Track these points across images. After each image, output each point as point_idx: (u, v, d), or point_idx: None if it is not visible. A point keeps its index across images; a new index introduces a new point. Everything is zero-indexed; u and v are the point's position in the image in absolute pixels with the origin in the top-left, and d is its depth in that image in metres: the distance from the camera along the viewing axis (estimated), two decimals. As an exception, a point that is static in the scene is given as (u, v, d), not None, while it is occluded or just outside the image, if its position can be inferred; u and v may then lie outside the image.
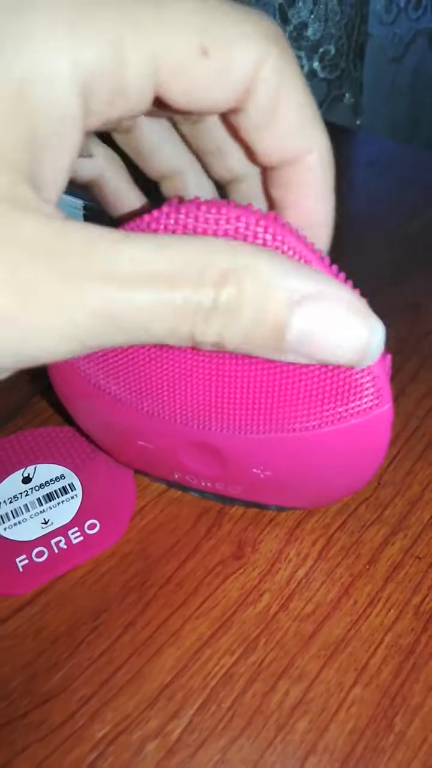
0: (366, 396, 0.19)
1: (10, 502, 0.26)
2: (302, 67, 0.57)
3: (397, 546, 0.25)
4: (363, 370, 0.18)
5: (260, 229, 0.17)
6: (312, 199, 0.18)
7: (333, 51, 0.56)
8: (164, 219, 0.17)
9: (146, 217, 0.17)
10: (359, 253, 0.40)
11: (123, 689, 0.21)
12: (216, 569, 0.24)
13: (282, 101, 0.16)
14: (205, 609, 0.23)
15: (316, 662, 0.22)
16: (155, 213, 0.17)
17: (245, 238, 0.17)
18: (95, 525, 0.25)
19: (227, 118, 0.18)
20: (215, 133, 0.20)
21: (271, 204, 0.20)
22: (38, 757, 0.20)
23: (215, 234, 0.17)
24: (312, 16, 0.53)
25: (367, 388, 0.19)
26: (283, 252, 0.17)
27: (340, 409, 0.19)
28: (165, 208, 0.17)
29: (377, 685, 0.22)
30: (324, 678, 0.22)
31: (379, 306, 0.35)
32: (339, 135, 0.52)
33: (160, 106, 0.16)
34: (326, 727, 0.21)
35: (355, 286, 0.17)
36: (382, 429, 0.20)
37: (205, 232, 0.17)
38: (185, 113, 0.17)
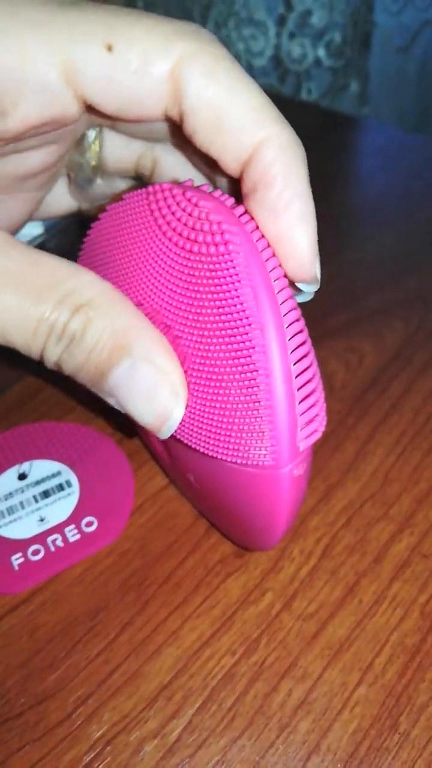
0: (260, 448, 0.17)
1: (6, 500, 0.25)
2: (306, 55, 0.56)
3: (403, 544, 0.25)
4: (265, 421, 0.17)
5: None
6: (282, 201, 0.16)
7: (338, 39, 0.56)
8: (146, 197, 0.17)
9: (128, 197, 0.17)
10: (366, 245, 0.39)
11: (121, 689, 0.21)
12: (216, 567, 0.24)
13: (216, 95, 0.15)
14: (206, 608, 0.23)
15: (319, 662, 0.22)
16: (138, 192, 0.17)
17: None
18: (92, 523, 0.25)
19: (181, 135, 0.17)
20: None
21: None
22: (34, 757, 0.20)
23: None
24: (317, 3, 0.53)
25: (263, 440, 0.17)
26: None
27: (238, 450, 0.18)
28: (150, 188, 0.17)
29: (382, 684, 0.21)
30: (327, 678, 0.21)
31: (386, 299, 0.35)
32: (345, 124, 0.52)
33: (103, 117, 0.17)
34: (329, 727, 0.20)
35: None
36: (274, 490, 0.18)
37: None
38: (122, 120, 0.17)
